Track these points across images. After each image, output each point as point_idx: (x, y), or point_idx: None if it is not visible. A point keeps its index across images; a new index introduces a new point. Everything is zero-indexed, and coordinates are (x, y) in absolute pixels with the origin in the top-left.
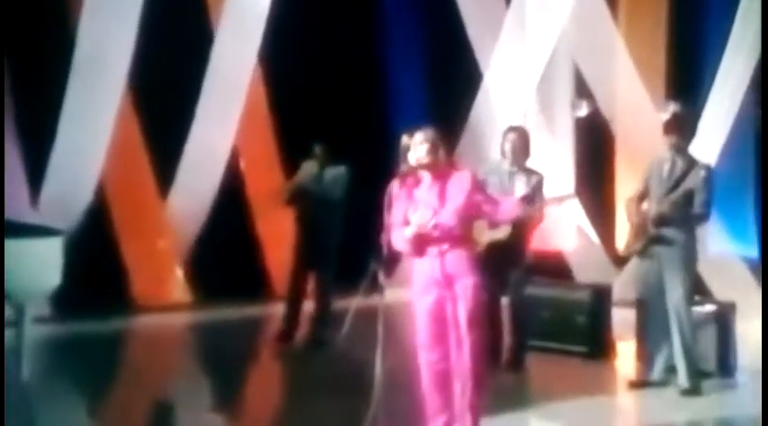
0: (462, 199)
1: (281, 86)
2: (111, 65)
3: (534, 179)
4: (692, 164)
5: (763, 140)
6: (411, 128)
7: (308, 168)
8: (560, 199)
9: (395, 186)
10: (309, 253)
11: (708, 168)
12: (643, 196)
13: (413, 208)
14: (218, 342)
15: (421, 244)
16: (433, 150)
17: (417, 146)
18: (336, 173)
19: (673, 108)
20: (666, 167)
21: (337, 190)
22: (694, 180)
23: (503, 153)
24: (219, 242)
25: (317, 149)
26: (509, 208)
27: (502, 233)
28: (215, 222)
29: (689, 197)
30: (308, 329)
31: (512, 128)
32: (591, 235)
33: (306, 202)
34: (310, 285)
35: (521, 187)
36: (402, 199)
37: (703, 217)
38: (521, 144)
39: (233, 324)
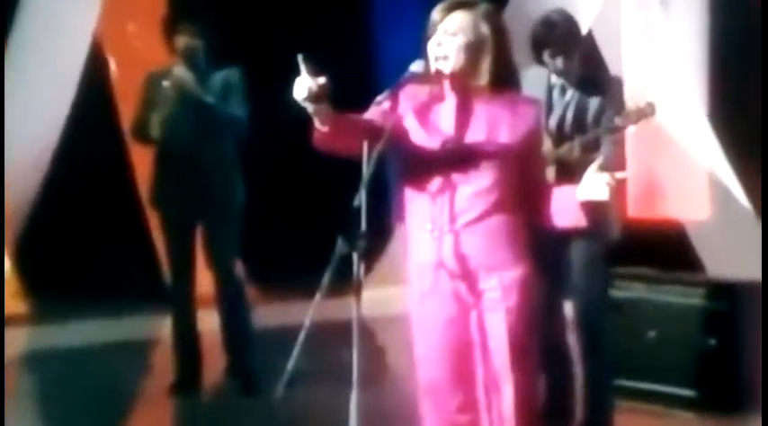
0: (510, 140)
1: None
2: None
3: (598, 99)
4: None
5: (763, 137)
6: None
7: (179, 72)
8: (636, 116)
9: (404, 91)
10: (188, 202)
11: None
12: None
13: (418, 125)
14: (75, 377)
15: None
16: (471, 50)
17: (443, 36)
18: (226, 77)
19: None
20: None
21: (233, 104)
22: None
23: (538, 59)
24: (77, 209)
25: (186, 39)
26: (566, 206)
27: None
28: (70, 174)
29: None
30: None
31: (546, 19)
32: (736, 195)
33: (177, 124)
34: (210, 281)
35: (574, 112)
36: (407, 107)
37: None
38: (565, 41)
39: (103, 348)
